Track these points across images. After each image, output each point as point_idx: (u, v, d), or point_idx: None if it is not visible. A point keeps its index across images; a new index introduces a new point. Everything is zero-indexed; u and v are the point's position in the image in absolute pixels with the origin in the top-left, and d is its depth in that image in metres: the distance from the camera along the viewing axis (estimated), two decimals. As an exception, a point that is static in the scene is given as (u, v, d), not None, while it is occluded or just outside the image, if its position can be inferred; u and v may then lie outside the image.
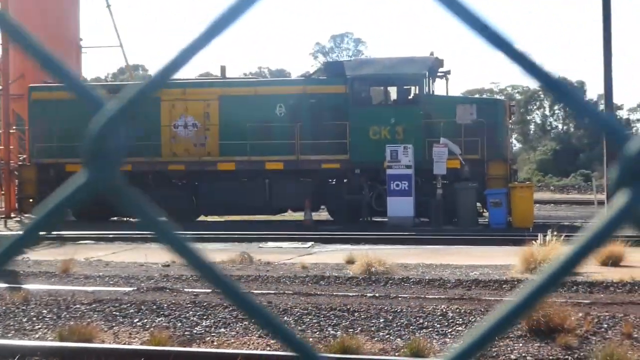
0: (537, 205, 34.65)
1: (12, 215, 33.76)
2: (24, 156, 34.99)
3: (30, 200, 32.47)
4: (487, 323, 1.02)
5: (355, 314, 11.90)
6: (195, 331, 11.23)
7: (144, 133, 31.20)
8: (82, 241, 25.05)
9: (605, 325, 10.95)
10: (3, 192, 34.46)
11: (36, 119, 32.48)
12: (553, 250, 16.23)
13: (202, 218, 32.43)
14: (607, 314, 11.44)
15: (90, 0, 71.20)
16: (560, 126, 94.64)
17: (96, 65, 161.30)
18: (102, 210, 31.51)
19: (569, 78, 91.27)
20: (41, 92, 32.72)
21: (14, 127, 36.77)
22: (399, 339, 10.60)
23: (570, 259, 1.00)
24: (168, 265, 18.41)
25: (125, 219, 32.40)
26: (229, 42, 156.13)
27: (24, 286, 15.16)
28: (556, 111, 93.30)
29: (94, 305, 12.77)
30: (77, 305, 12.80)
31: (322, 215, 32.13)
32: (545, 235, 16.99)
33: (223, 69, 33.29)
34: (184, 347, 10.30)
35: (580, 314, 11.22)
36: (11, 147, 35.53)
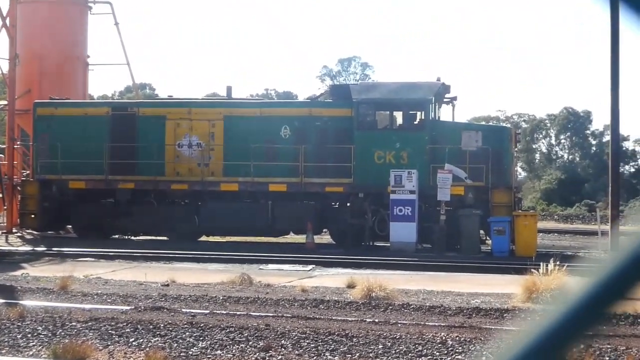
0: (541, 234, 34.44)
1: (14, 230, 33.67)
2: (28, 172, 34.93)
3: (32, 216, 32.39)
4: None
5: (354, 339, 11.76)
6: (191, 352, 11.08)
7: (148, 151, 31.16)
8: (82, 258, 24.94)
9: (607, 358, 10.79)
10: (5, 207, 34.37)
11: (41, 134, 32.41)
12: (555, 280, 16.08)
13: (203, 238, 32.31)
14: (609, 346, 11.28)
15: (98, 17, 71.39)
16: (565, 155, 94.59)
17: (103, 82, 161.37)
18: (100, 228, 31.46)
19: (575, 108, 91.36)
20: (46, 108, 32.72)
21: (19, 142, 36.75)
22: (397, 366, 10.44)
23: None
24: (167, 285, 18.29)
25: (126, 237, 32.32)
26: (237, 63, 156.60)
27: (20, 302, 15.04)
28: (562, 140, 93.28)
29: (90, 323, 12.64)
30: (73, 323, 12.67)
31: (325, 238, 31.99)
32: (548, 265, 16.82)
33: (229, 89, 33.21)
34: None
35: (582, 346, 11.05)
36: (15, 162, 35.49)
